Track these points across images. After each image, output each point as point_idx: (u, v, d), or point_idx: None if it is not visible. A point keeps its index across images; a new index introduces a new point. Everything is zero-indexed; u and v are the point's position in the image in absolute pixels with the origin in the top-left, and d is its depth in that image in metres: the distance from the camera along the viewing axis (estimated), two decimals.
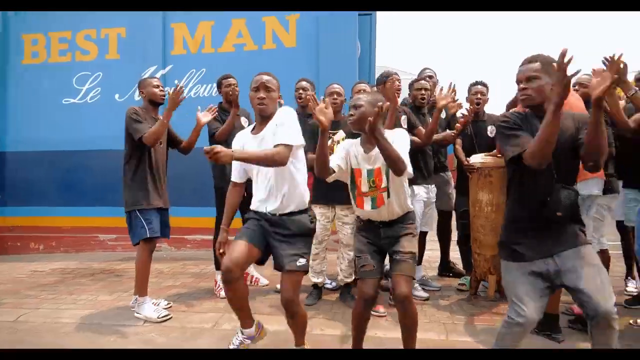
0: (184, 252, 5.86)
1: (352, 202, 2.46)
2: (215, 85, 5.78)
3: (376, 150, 2.23)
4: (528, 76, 1.99)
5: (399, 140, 2.23)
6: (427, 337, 2.89)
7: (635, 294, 3.51)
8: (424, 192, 3.67)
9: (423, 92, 3.73)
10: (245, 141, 2.44)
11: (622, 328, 2.97)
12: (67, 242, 6.15)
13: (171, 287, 4.16)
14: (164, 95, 3.46)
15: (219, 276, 3.87)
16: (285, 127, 2.26)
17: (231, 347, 2.53)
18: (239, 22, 5.83)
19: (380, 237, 2.37)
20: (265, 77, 2.36)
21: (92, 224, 6.11)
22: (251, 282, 4.10)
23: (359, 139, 2.44)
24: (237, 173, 2.55)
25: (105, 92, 6.10)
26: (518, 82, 2.03)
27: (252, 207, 2.46)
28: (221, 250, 2.47)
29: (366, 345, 2.53)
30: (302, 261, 2.30)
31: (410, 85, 3.88)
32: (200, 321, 3.23)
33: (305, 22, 5.75)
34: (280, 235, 2.34)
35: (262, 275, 4.16)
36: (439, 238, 4.36)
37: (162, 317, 3.24)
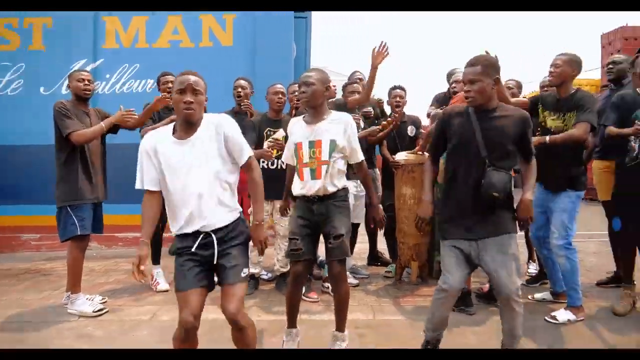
0: (115, 250, 5.73)
1: (296, 176, 2.67)
2: (149, 80, 5.75)
3: (318, 125, 2.57)
4: (470, 79, 2.28)
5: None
6: (356, 317, 3.17)
7: (534, 274, 4.03)
8: (354, 186, 3.96)
9: (356, 95, 4.02)
10: (166, 147, 2.06)
11: (523, 302, 3.46)
12: None
13: (104, 283, 4.12)
14: (89, 90, 3.41)
15: (155, 271, 3.91)
16: (241, 142, 2.14)
17: None
18: (175, 18, 5.82)
19: (313, 213, 2.60)
20: (193, 78, 2.04)
21: (13, 223, 5.79)
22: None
23: (302, 116, 2.73)
24: (150, 180, 2.11)
25: (28, 84, 5.80)
26: (463, 83, 2.35)
27: (176, 230, 2.11)
28: (142, 268, 2.07)
29: (302, 327, 2.76)
30: (245, 271, 2.13)
31: (344, 88, 4.15)
32: (137, 314, 3.28)
33: (242, 21, 5.87)
34: (220, 253, 2.10)
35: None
36: (367, 230, 4.68)
37: (98, 311, 3.24)
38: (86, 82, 3.35)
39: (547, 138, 3.04)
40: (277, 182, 3.17)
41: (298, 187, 2.65)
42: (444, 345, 2.52)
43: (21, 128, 5.67)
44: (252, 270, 3.79)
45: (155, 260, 3.93)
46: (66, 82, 5.67)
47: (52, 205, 5.54)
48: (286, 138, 3.31)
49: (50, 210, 5.59)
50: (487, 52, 2.84)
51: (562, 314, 3.06)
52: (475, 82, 2.26)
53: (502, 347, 2.39)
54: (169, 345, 2.65)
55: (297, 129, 2.68)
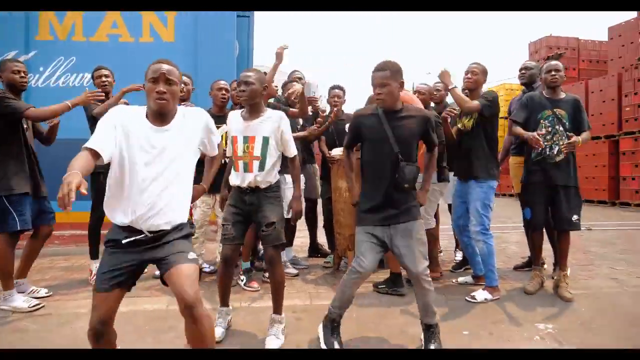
0: (51, 248, 5.53)
1: (233, 167, 2.85)
2: (86, 74, 5.63)
3: (254, 121, 2.75)
4: (380, 83, 2.53)
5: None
6: (295, 303, 3.35)
7: (459, 261, 4.39)
8: (291, 181, 4.13)
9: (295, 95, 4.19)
10: (139, 129, 1.94)
11: (448, 285, 3.79)
12: None
13: (40, 280, 4.00)
14: (25, 82, 3.35)
15: (93, 265, 3.88)
16: (215, 137, 2.22)
17: None
18: (113, 12, 5.72)
19: (245, 203, 2.78)
20: (166, 67, 1.93)
21: None
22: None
23: (241, 110, 2.89)
24: (100, 145, 1.81)
25: None
26: (374, 86, 2.59)
27: (116, 221, 1.96)
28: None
29: (240, 314, 2.90)
30: (192, 254, 1.97)
31: (283, 86, 4.31)
32: (76, 307, 3.27)
33: (184, 18, 5.88)
34: (158, 247, 1.97)
35: None
36: (307, 224, 4.88)
37: (33, 306, 3.19)
38: (22, 74, 3.29)
39: (453, 87, 3.43)
40: (219, 176, 3.28)
41: (234, 178, 2.83)
42: (377, 326, 2.75)
43: None
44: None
45: (94, 254, 3.90)
46: None
47: None
48: None
49: None
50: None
51: (480, 294, 3.40)
52: (385, 85, 2.53)
53: (421, 323, 2.67)
54: None
55: (235, 123, 2.84)
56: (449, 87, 3.44)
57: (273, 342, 2.66)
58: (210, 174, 2.47)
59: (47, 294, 3.47)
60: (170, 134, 1.96)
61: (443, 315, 3.17)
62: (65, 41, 5.68)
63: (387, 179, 2.57)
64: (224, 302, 2.87)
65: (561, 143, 3.42)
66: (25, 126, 3.30)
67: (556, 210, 3.46)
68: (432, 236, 4.02)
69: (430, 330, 2.62)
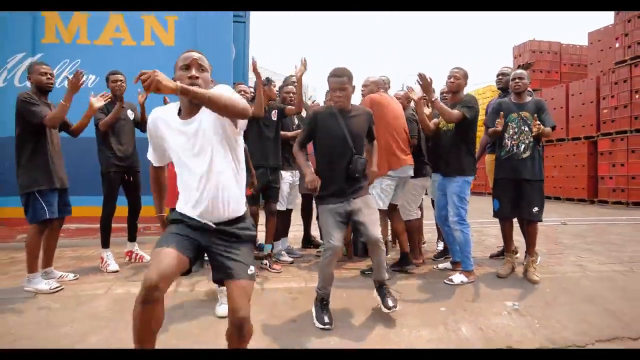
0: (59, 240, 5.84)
1: None
2: (91, 76, 5.95)
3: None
4: (340, 87, 3.05)
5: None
6: (290, 285, 3.71)
7: (440, 250, 4.78)
8: (290, 176, 4.50)
9: (291, 95, 4.55)
10: (170, 124, 2.01)
11: (430, 271, 4.17)
12: None
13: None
14: (52, 83, 3.67)
15: (105, 254, 4.20)
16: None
17: None
18: (116, 17, 6.02)
19: None
20: (197, 55, 2.00)
21: None
22: (135, 259, 4.47)
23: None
24: (154, 155, 2.13)
25: None
26: (333, 90, 3.09)
27: (180, 209, 2.04)
28: None
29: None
30: (252, 269, 2.02)
31: (280, 89, 4.67)
32: (92, 289, 3.59)
33: (183, 22, 6.19)
34: (222, 243, 2.01)
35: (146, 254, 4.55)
36: (302, 216, 5.24)
37: (54, 288, 3.52)
38: (48, 76, 3.60)
39: (435, 100, 3.79)
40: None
41: None
42: (363, 301, 3.13)
43: None
44: None
45: (105, 244, 4.22)
46: (4, 75, 5.81)
47: None
48: None
49: None
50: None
51: (457, 277, 3.79)
52: (344, 89, 3.07)
53: (374, 281, 3.20)
54: (125, 313, 3.07)
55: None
56: (432, 100, 3.81)
57: None
58: (205, 91, 1.93)
59: (75, 278, 3.81)
60: (198, 121, 1.95)
61: (424, 295, 3.57)
62: (70, 44, 5.97)
63: (342, 169, 3.10)
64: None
65: (527, 141, 3.82)
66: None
67: (521, 202, 3.85)
68: (416, 227, 4.41)
69: (382, 287, 3.16)
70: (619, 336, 3.00)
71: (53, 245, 3.86)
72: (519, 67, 4.49)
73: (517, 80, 3.92)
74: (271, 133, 4.20)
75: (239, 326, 1.87)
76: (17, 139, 3.55)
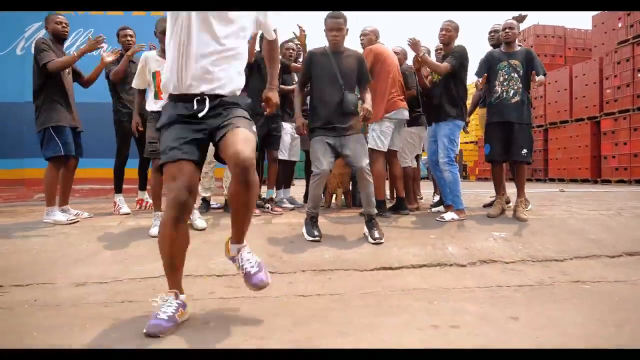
0: (72, 200, 6.13)
1: (152, 96, 3.58)
2: (103, 45, 6.30)
3: None
4: (338, 27, 3.38)
5: None
6: (290, 220, 3.94)
7: (436, 201, 4.98)
8: (290, 127, 4.72)
9: (291, 51, 4.78)
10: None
11: (424, 213, 4.37)
12: None
13: None
14: (67, 31, 3.96)
15: (117, 198, 4.47)
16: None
17: (162, 315, 1.88)
18: None
19: None
20: None
21: None
22: (145, 207, 4.73)
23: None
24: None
25: None
26: (330, 29, 3.38)
27: (174, 90, 2.02)
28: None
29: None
30: (253, 127, 2.04)
31: (281, 45, 4.89)
32: (106, 221, 3.87)
33: None
34: (215, 114, 2.01)
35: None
36: (305, 175, 5.47)
37: (71, 219, 3.79)
38: (63, 25, 3.88)
39: (423, 55, 4.03)
40: None
41: (154, 106, 3.57)
42: (344, 227, 3.36)
43: None
44: (205, 194, 4.49)
45: (118, 189, 4.49)
46: (22, 44, 6.12)
47: (7, 160, 5.96)
48: None
49: (5, 164, 6.01)
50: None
51: (448, 215, 4.00)
52: (340, 29, 3.43)
53: (364, 215, 3.47)
54: (136, 236, 3.32)
55: (153, 62, 3.60)
56: (420, 55, 4.04)
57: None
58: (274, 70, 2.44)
59: (90, 216, 4.08)
60: None
61: (416, 226, 3.79)
62: (83, 14, 6.25)
63: (334, 103, 3.42)
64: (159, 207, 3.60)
65: (516, 87, 4.02)
66: (67, 71, 3.89)
67: (510, 144, 4.04)
68: (411, 174, 4.63)
69: (371, 221, 3.43)
70: (596, 254, 3.20)
71: (69, 184, 4.12)
72: (512, 18, 4.65)
73: (507, 30, 4.12)
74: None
75: (243, 169, 1.82)
76: (33, 82, 3.81)
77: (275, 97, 2.33)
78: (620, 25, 11.31)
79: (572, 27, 14.83)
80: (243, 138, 1.88)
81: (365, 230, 3.45)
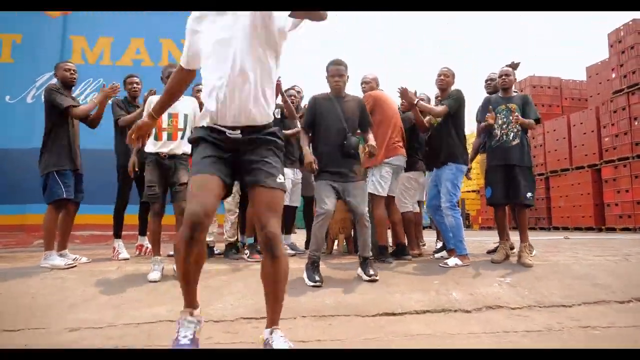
0: (72, 246, 6.08)
1: (152, 137, 3.63)
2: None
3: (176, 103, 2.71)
4: (340, 74, 3.59)
5: None
6: (292, 267, 3.87)
7: (439, 247, 4.91)
8: (291, 173, 4.75)
9: (293, 98, 4.90)
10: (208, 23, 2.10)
11: (427, 260, 4.31)
12: None
13: None
14: (75, 78, 4.09)
15: (116, 243, 4.44)
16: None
17: (184, 340, 1.90)
18: (137, 40, 6.59)
19: (165, 168, 3.66)
20: None
21: None
22: (145, 253, 4.68)
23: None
24: (186, 57, 2.17)
25: None
26: (332, 76, 3.57)
27: (205, 122, 2.01)
28: (134, 136, 2.21)
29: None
30: (281, 178, 1.99)
31: (285, 91, 5.03)
32: (104, 267, 3.81)
33: None
34: (249, 152, 1.98)
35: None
36: (305, 220, 5.45)
37: (69, 264, 3.75)
38: (72, 72, 4.01)
39: (417, 102, 4.16)
40: None
41: (153, 147, 3.65)
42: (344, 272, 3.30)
43: None
44: (208, 238, 4.45)
45: (117, 234, 4.47)
46: (32, 92, 6.31)
47: (9, 205, 5.97)
48: None
49: (7, 210, 6.01)
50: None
51: (452, 260, 3.94)
52: (342, 76, 3.62)
53: (359, 257, 3.52)
54: (135, 282, 3.28)
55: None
56: (414, 103, 4.16)
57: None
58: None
59: (88, 261, 4.02)
60: (235, 18, 1.97)
61: (418, 272, 3.72)
62: (94, 65, 6.50)
63: (338, 147, 3.54)
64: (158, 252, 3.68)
65: (515, 130, 4.07)
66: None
67: (513, 188, 4.04)
68: (411, 219, 4.61)
69: (365, 262, 3.48)
70: (605, 299, 3.12)
71: (69, 229, 4.11)
72: (507, 66, 4.79)
73: (504, 77, 4.24)
74: None
75: (269, 245, 1.87)
76: (45, 126, 3.90)
77: None
78: (614, 75, 11.62)
79: (567, 78, 15.24)
80: (271, 204, 1.91)
81: (359, 270, 3.51)
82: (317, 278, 3.29)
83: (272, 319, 2.02)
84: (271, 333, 1.99)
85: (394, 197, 4.42)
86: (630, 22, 11.20)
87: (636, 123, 10.67)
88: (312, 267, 3.38)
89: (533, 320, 2.71)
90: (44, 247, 3.81)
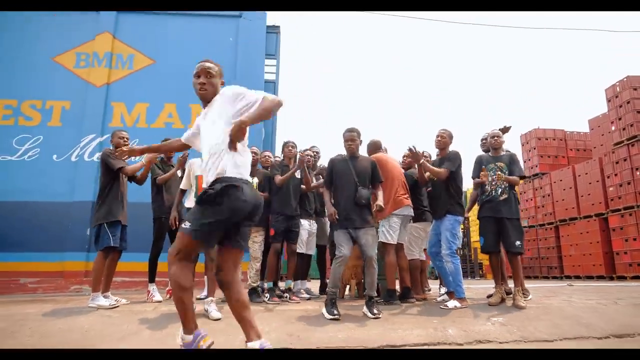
0: None
1: (194, 194, 4.22)
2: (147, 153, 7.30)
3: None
4: (351, 139, 4.27)
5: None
6: (306, 307, 4.34)
7: (443, 294, 5.32)
8: (307, 224, 5.31)
9: (309, 157, 5.54)
10: (200, 124, 2.76)
11: (430, 303, 4.72)
12: None
13: None
14: (127, 145, 4.78)
15: (151, 287, 4.97)
16: (248, 92, 2.57)
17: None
18: (170, 105, 7.43)
19: None
20: (207, 64, 2.66)
21: (14, 268, 6.67)
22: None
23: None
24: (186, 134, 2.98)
25: (43, 152, 7.09)
26: (346, 140, 4.26)
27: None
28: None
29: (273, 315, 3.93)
30: (243, 243, 2.61)
31: (302, 151, 5.69)
32: (142, 307, 4.33)
33: None
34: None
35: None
36: (318, 267, 5.94)
37: (113, 304, 4.28)
38: (125, 139, 4.73)
39: (422, 161, 4.73)
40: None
41: (192, 204, 4.07)
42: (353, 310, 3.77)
43: (31, 187, 6.86)
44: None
45: (151, 279, 5.01)
46: (77, 151, 7.08)
47: (51, 253, 6.59)
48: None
49: (49, 257, 6.62)
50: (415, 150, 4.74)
51: (451, 302, 4.36)
52: (354, 140, 4.32)
53: (365, 296, 4.00)
54: (170, 320, 3.79)
55: (197, 167, 4.41)
56: (420, 162, 4.76)
57: None
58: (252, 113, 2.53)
59: (127, 303, 4.56)
60: (210, 113, 2.64)
61: (421, 312, 4.15)
62: (131, 127, 7.32)
63: (350, 197, 4.15)
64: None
65: (503, 186, 4.60)
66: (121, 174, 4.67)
67: (504, 238, 4.52)
68: (417, 266, 5.07)
69: (371, 300, 3.97)
70: (584, 336, 3.51)
71: (112, 273, 4.66)
72: (500, 129, 5.34)
73: (495, 138, 4.83)
74: (295, 190, 5.09)
75: (227, 286, 2.48)
76: (101, 183, 4.58)
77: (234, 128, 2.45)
78: (613, 128, 12.17)
79: (571, 130, 15.81)
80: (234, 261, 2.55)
81: (365, 309, 3.99)
82: (335, 312, 3.82)
83: (250, 336, 2.45)
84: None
85: (403, 244, 4.92)
86: (625, 79, 11.90)
87: (638, 173, 11.08)
88: (331, 303, 3.91)
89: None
90: (92, 289, 4.36)
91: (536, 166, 15.30)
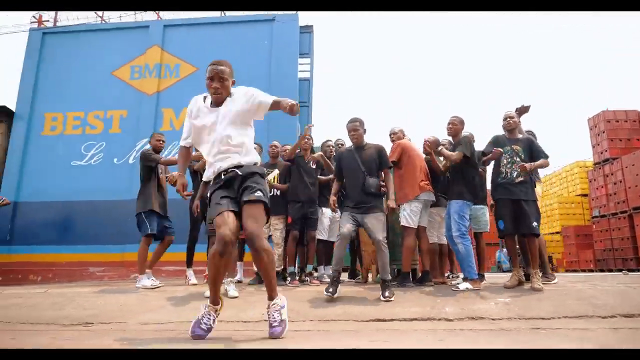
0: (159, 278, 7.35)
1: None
2: (193, 153, 7.92)
3: None
4: (354, 129, 4.40)
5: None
6: (321, 289, 4.60)
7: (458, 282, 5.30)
8: (329, 212, 5.55)
9: (330, 148, 5.78)
10: (201, 111, 2.89)
11: (446, 286, 4.77)
12: (61, 274, 7.56)
13: None
14: (162, 147, 5.37)
15: (188, 272, 5.49)
16: (257, 92, 2.87)
17: (203, 327, 2.78)
18: None
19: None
20: (219, 68, 2.76)
21: (84, 259, 7.61)
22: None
23: None
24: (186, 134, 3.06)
25: (106, 157, 8.00)
26: (349, 131, 4.36)
27: (209, 177, 2.90)
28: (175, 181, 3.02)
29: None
30: (259, 193, 2.70)
31: (323, 144, 5.94)
32: (176, 288, 4.84)
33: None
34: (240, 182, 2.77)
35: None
36: (350, 253, 6.15)
37: (155, 285, 4.85)
38: (161, 142, 5.33)
39: (440, 149, 4.81)
40: (275, 204, 4.82)
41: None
42: (360, 293, 3.94)
43: (96, 187, 7.75)
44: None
45: (189, 263, 5.53)
46: (133, 154, 7.87)
47: (113, 245, 7.41)
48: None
49: (112, 249, 7.46)
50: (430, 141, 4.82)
51: (462, 284, 4.39)
52: (357, 130, 4.41)
53: (379, 280, 4.10)
54: (194, 299, 4.22)
55: None
56: (437, 149, 4.82)
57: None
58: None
59: (162, 285, 5.10)
60: (223, 111, 2.83)
61: (429, 293, 4.25)
62: (179, 130, 7.94)
63: (359, 186, 4.28)
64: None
65: (518, 170, 4.51)
66: (160, 170, 5.23)
67: (521, 219, 4.44)
68: (435, 250, 5.12)
69: (385, 283, 4.05)
70: (587, 314, 3.43)
71: (159, 255, 5.23)
72: (516, 109, 5.21)
73: (508, 120, 4.75)
74: (309, 178, 5.36)
75: (250, 240, 2.63)
76: (140, 178, 5.17)
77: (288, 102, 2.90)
78: None
79: None
80: (252, 215, 2.69)
81: (381, 291, 4.07)
82: (330, 290, 4.01)
83: (269, 295, 2.82)
84: (268, 307, 2.80)
85: (425, 227, 4.99)
86: None
87: None
88: (331, 281, 4.13)
89: (499, 324, 3.15)
90: (138, 272, 4.96)
91: (606, 151, 14.25)
